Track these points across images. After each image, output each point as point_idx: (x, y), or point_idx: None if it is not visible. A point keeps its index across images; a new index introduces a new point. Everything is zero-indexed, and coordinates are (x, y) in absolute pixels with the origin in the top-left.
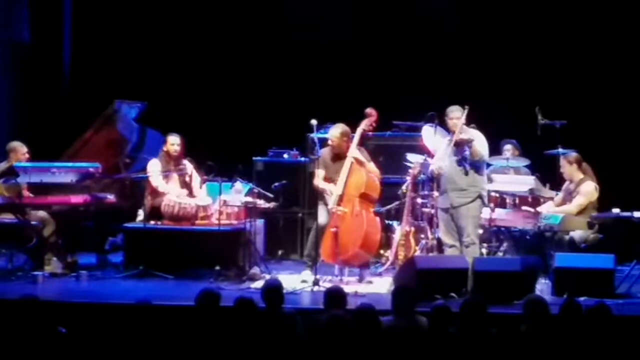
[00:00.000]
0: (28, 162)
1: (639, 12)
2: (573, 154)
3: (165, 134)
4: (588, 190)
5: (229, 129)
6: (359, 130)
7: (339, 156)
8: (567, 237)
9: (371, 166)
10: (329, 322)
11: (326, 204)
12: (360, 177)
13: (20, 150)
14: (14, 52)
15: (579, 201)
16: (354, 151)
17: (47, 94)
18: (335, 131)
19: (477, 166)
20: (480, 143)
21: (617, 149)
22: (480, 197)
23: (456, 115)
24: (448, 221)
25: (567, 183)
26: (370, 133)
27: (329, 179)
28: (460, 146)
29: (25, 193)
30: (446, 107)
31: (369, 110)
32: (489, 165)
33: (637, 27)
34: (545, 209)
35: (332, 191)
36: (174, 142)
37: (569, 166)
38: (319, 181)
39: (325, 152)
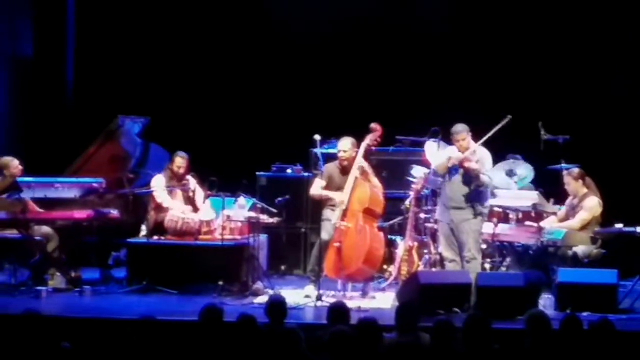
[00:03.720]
0: (22, 175)
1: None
2: (576, 170)
3: (169, 149)
4: (591, 205)
5: (233, 144)
6: (364, 145)
7: (346, 170)
8: (570, 252)
9: (374, 180)
10: (332, 337)
11: (328, 220)
12: (364, 192)
13: (12, 164)
14: (17, 66)
15: (582, 216)
16: (359, 160)
17: (50, 108)
18: (347, 142)
19: (480, 189)
20: (486, 167)
21: (620, 164)
22: (480, 214)
23: (461, 136)
24: (449, 235)
25: (570, 198)
26: (374, 148)
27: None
28: (465, 169)
29: (33, 207)
30: (449, 122)
31: (373, 125)
32: None
33: (637, 44)
34: (548, 224)
35: (334, 197)
36: (180, 165)
37: (574, 182)
38: (318, 190)
39: (330, 167)
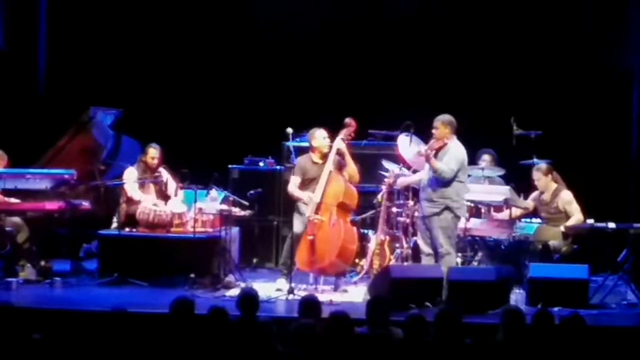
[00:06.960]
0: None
1: (609, 25)
2: (544, 165)
3: (141, 141)
4: (571, 198)
5: (205, 136)
6: (338, 140)
7: (325, 155)
8: (541, 247)
9: (352, 165)
10: (296, 330)
11: (300, 214)
12: (339, 186)
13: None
14: None
15: (574, 208)
16: (338, 142)
17: (23, 100)
18: (323, 131)
19: (443, 180)
20: (446, 159)
21: (592, 160)
22: (448, 208)
23: (435, 124)
24: (424, 230)
25: (537, 193)
26: (347, 142)
27: (307, 184)
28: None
29: (2, 198)
30: (423, 116)
31: (348, 120)
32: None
33: (608, 40)
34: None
35: (309, 198)
36: (154, 156)
37: (545, 178)
38: (293, 189)
39: (301, 160)
